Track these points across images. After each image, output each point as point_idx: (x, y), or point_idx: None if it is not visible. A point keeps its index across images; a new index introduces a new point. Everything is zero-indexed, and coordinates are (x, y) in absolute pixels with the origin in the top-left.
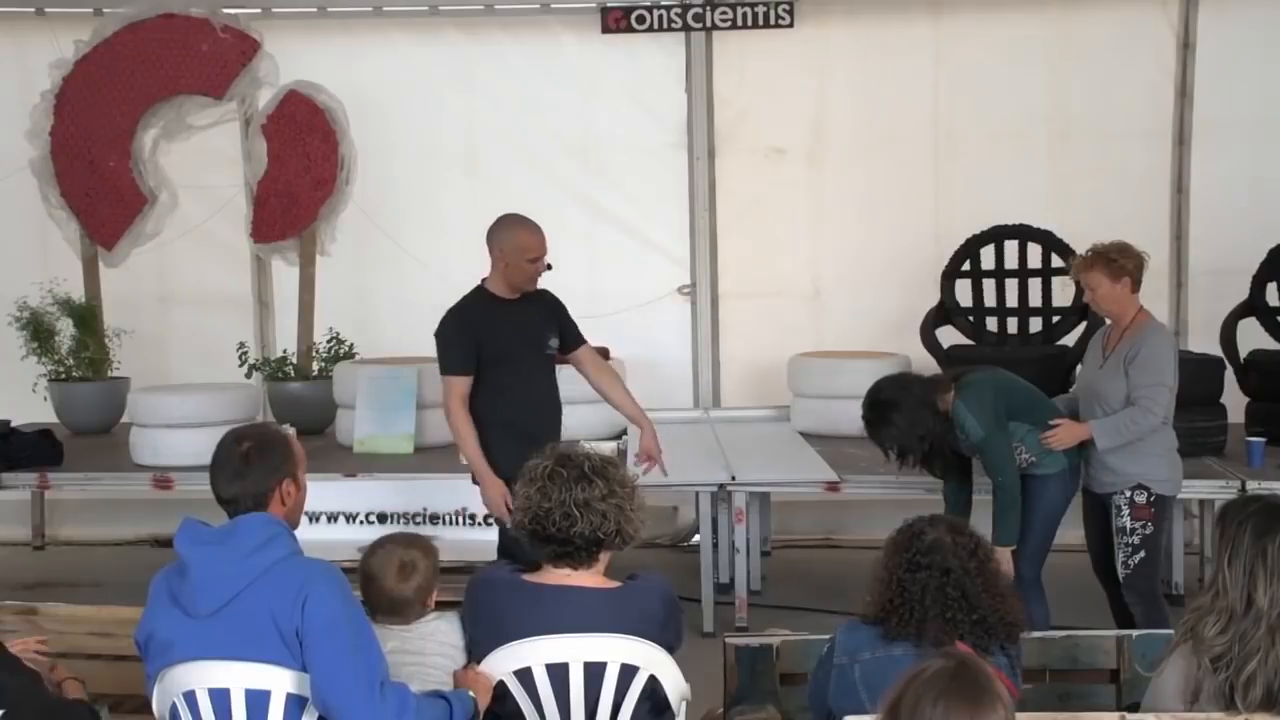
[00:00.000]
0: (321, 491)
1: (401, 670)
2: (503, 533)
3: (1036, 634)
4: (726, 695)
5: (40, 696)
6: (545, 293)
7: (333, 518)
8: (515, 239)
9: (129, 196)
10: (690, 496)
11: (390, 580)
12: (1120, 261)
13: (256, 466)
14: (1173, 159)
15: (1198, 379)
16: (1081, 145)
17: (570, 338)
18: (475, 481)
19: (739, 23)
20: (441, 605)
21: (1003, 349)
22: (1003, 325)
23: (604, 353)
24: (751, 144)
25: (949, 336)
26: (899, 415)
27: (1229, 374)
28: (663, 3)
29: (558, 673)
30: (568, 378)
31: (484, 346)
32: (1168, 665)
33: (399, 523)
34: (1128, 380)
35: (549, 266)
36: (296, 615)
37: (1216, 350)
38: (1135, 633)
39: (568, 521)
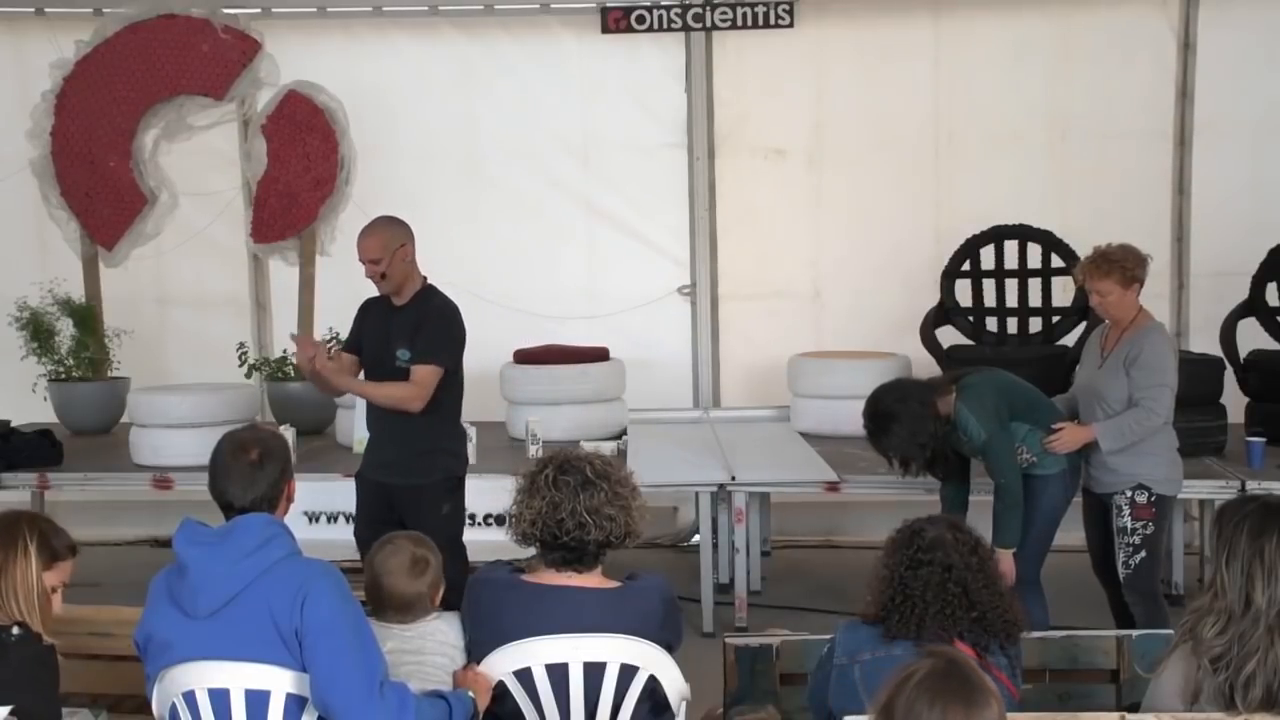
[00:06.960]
0: (321, 491)
1: (401, 670)
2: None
3: (1036, 634)
4: (726, 695)
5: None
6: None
7: (333, 518)
8: None
9: (129, 197)
10: (690, 496)
11: (402, 577)
12: (1134, 270)
13: (268, 471)
14: (1173, 159)
15: (1198, 379)
16: (1081, 145)
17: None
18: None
19: (739, 23)
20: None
21: (1003, 349)
22: (1003, 325)
23: (603, 353)
24: (751, 144)
25: (949, 336)
26: (899, 425)
27: (1229, 374)
28: (663, 3)
29: (557, 673)
30: (568, 377)
31: None
32: (1167, 666)
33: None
34: (1129, 381)
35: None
36: (296, 615)
37: (1216, 350)
38: (1135, 633)
39: (582, 530)
